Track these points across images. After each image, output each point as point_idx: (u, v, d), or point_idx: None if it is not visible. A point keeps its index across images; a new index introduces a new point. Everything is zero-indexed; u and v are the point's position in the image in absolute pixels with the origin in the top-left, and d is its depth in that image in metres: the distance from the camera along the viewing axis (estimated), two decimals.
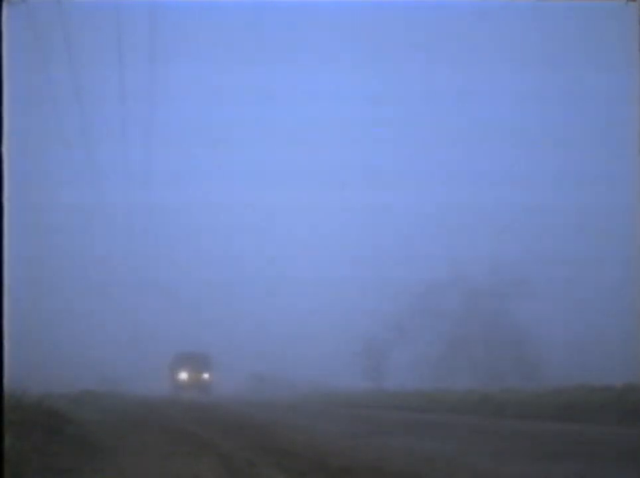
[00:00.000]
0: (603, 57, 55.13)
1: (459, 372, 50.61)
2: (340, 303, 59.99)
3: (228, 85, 69.13)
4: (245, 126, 70.67)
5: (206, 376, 58.93)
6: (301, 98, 71.42)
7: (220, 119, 71.41)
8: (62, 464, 8.88)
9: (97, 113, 54.47)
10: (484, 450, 10.71)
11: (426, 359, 51.85)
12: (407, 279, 53.02)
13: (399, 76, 62.87)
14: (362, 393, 37.28)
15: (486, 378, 47.04)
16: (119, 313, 66.84)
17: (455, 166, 61.86)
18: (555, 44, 60.05)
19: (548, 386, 26.54)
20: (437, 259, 54.19)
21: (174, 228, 70.28)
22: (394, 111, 65.69)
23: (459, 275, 52.15)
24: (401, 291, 52.15)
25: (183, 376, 58.59)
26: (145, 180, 75.33)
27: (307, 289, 63.56)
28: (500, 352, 50.38)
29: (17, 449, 8.29)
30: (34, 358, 41.03)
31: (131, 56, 46.37)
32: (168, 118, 67.90)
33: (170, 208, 67.76)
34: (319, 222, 67.87)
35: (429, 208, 60.70)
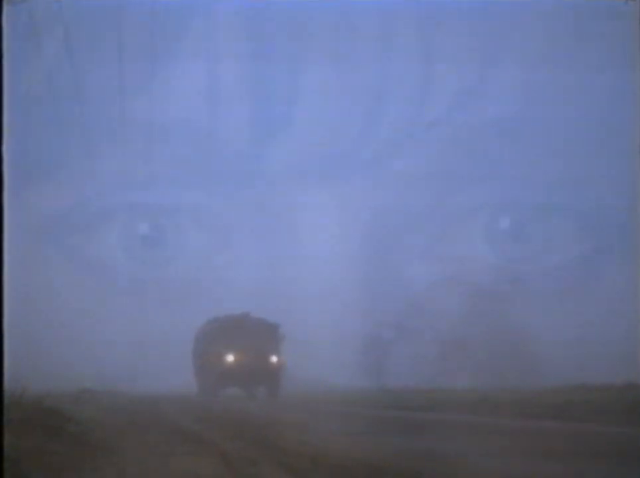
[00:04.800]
0: (602, 57, 55.24)
1: (458, 371, 50.65)
2: (340, 302, 59.99)
3: (226, 84, 69.15)
4: (242, 125, 70.70)
5: (273, 359, 35.76)
6: (301, 97, 71.53)
7: (220, 117, 71.45)
8: (62, 463, 8.89)
9: (98, 113, 54.49)
10: (484, 449, 10.72)
11: (426, 358, 51.89)
12: (407, 279, 53.05)
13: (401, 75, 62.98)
14: (361, 392, 37.27)
15: (486, 377, 47.05)
16: (120, 311, 66.66)
17: (455, 166, 61.95)
18: (553, 43, 60.17)
19: (547, 385, 26.52)
20: (437, 259, 54.22)
21: (172, 227, 70.27)
22: (394, 111, 65.84)
23: (459, 274, 52.20)
24: (401, 290, 52.20)
25: (229, 358, 34.30)
26: (145, 180, 75.30)
27: (307, 288, 63.58)
28: (499, 352, 50.42)
29: (17, 448, 8.30)
30: (33, 357, 40.95)
31: (131, 55, 46.38)
32: (165, 116, 67.88)
33: (170, 208, 67.78)
34: (318, 221, 67.94)
35: (428, 207, 60.78)
